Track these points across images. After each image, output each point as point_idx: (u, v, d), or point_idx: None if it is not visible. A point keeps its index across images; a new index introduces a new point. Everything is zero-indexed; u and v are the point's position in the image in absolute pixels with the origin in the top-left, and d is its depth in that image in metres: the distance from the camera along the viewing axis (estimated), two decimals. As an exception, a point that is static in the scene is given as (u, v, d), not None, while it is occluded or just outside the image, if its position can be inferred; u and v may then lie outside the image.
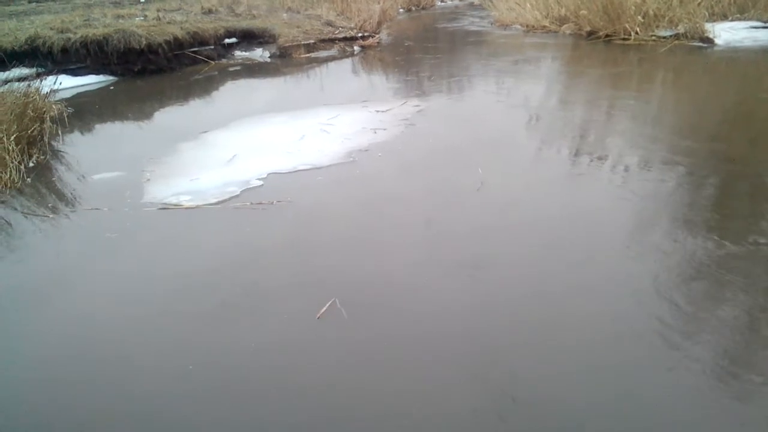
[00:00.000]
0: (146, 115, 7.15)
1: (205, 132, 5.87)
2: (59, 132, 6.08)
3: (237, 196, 4.15)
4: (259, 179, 4.43)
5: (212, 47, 10.48)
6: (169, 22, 10.56)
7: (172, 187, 4.39)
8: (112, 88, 8.85)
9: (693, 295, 2.62)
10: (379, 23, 12.52)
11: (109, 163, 5.18)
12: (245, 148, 5.21)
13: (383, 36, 12.48)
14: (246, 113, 6.54)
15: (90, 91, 8.62)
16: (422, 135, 5.48)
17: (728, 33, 9.13)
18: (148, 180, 4.58)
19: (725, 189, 3.84)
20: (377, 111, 6.31)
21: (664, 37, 9.42)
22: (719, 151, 4.47)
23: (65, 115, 6.35)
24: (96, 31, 9.27)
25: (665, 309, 2.52)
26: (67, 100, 7.20)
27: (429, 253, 3.17)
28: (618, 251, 3.04)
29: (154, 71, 9.52)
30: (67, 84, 8.21)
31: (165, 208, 4.03)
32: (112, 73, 9.30)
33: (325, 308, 2.68)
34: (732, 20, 9.66)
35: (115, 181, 4.70)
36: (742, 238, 3.08)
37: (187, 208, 4.00)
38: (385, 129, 5.64)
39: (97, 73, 9.19)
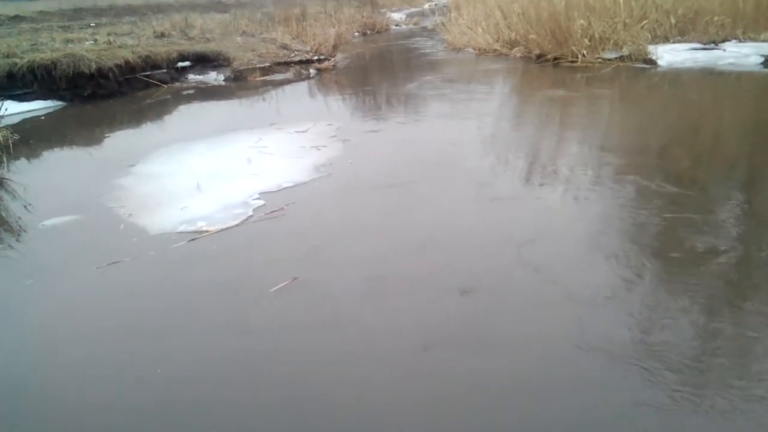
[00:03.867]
0: (95, 141, 7.00)
1: (152, 160, 5.78)
2: (4, 159, 5.90)
3: (251, 214, 4.21)
4: (255, 199, 4.49)
5: (165, 71, 10.36)
6: (120, 46, 10.42)
7: (167, 219, 4.25)
8: (55, 113, 8.64)
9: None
10: (335, 46, 12.61)
11: (66, 194, 4.99)
12: (201, 176, 5.11)
13: (339, 59, 12.57)
14: (188, 138, 6.50)
15: (37, 116, 8.40)
16: (372, 150, 5.84)
17: (670, 55, 9.52)
18: (131, 215, 4.36)
19: (653, 190, 3.99)
20: (318, 131, 6.42)
21: (610, 59, 9.76)
22: (655, 164, 4.68)
23: (10, 141, 6.17)
24: (44, 55, 9.07)
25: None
26: (12, 126, 7.01)
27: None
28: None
29: (105, 96, 9.34)
30: (13, 110, 7.97)
31: (195, 238, 3.89)
32: (60, 98, 9.08)
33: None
34: (673, 42, 10.07)
35: (89, 219, 4.39)
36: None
37: (216, 232, 3.97)
38: (326, 146, 5.84)
39: (45, 99, 8.95)
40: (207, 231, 3.98)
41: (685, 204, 3.91)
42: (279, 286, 3.20)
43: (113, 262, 3.63)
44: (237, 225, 4.07)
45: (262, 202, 4.44)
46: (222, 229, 4.00)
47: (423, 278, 3.24)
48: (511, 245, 3.49)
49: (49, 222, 4.38)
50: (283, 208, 4.29)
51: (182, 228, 4.05)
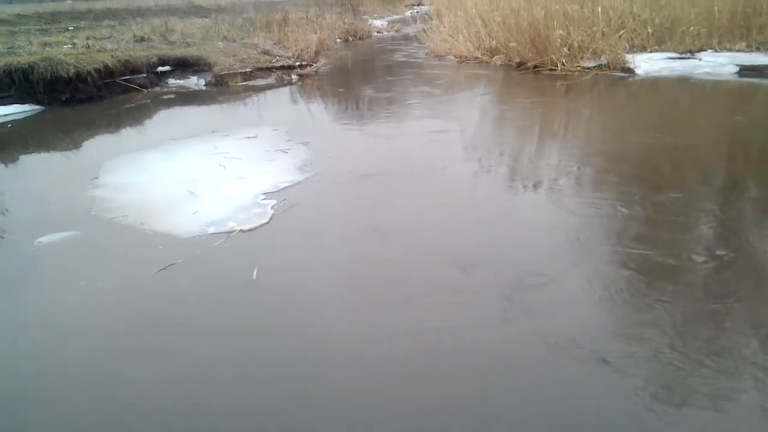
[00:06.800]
0: (74, 146, 6.89)
1: (119, 170, 5.70)
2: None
3: (271, 213, 4.34)
4: (264, 199, 4.62)
5: (145, 75, 10.26)
6: (99, 50, 10.31)
7: (186, 223, 4.22)
8: (33, 118, 8.50)
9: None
10: (317, 52, 12.61)
11: (48, 207, 4.78)
12: (182, 183, 5.05)
13: (321, 65, 12.57)
14: (162, 142, 6.50)
15: (15, 120, 8.25)
16: (350, 152, 6.11)
17: (647, 63, 9.68)
18: (143, 223, 4.23)
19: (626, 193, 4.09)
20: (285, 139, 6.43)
21: (589, 68, 9.89)
22: (632, 171, 4.82)
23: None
24: (21, 59, 8.94)
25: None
26: (-12, 130, 6.90)
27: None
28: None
29: (83, 100, 9.21)
30: (-11, 114, 7.85)
31: (228, 235, 4.00)
32: (38, 103, 8.93)
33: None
34: (651, 51, 10.25)
35: (96, 233, 4.15)
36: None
37: (247, 230, 4.09)
38: (289, 150, 6.00)
39: (23, 103, 8.81)
40: (240, 230, 4.09)
41: (643, 200, 4.19)
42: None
43: (170, 264, 3.59)
44: (267, 222, 4.20)
45: (273, 201, 4.56)
46: (254, 227, 4.12)
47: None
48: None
49: (44, 239, 4.04)
50: (285, 202, 4.52)
51: (212, 230, 4.09)
